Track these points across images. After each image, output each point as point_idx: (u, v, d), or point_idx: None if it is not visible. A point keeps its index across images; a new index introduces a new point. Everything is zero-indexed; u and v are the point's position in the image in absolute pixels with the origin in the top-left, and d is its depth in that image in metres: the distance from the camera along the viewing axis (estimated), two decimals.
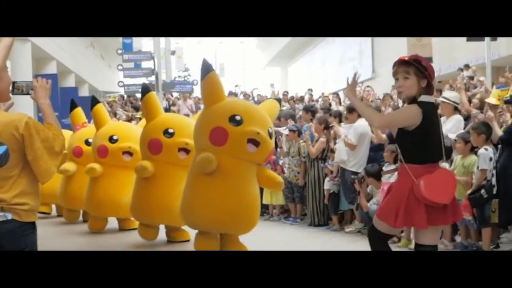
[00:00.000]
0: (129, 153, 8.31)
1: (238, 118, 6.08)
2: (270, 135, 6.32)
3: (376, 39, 29.91)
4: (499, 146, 6.83)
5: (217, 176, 6.14)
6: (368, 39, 30.69)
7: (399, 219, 4.01)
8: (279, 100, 7.90)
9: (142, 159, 7.59)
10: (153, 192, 7.40)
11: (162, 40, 19.41)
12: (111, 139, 8.40)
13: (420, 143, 4.06)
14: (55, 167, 3.64)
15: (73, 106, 9.67)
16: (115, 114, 17.71)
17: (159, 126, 7.46)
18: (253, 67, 58.01)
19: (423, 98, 4.09)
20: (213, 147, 6.13)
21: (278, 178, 6.72)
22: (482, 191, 6.53)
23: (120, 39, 28.68)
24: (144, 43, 34.81)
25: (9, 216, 3.42)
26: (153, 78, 19.23)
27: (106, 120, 8.89)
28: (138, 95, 22.86)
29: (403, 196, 4.03)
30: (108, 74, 42.23)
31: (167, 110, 17.68)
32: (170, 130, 7.37)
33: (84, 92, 30.81)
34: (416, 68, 4.07)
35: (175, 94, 21.97)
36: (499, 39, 16.41)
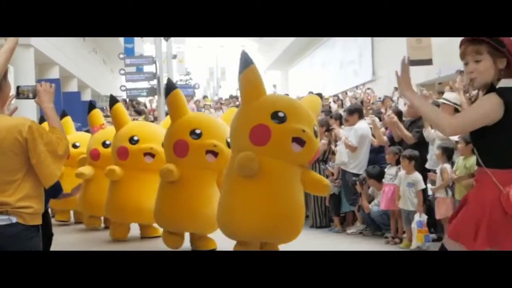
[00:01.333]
0: (151, 154, 7.85)
1: (281, 114, 5.55)
2: (316, 134, 5.79)
3: (376, 41, 29.96)
4: None
5: (259, 179, 5.57)
6: (368, 41, 30.72)
7: (480, 238, 3.16)
8: (320, 96, 7.03)
9: (167, 162, 7.12)
10: (178, 197, 6.97)
11: (164, 44, 19.45)
12: (132, 140, 7.92)
13: (504, 141, 3.19)
14: (59, 170, 3.66)
15: (91, 107, 9.36)
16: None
17: (186, 127, 6.99)
18: None
19: (503, 83, 3.24)
20: (254, 147, 5.56)
21: (325, 181, 6.14)
22: None
23: (122, 43, 28.79)
24: (146, 48, 34.94)
25: (14, 220, 3.43)
26: (155, 82, 19.29)
27: (126, 120, 8.36)
28: (141, 99, 23.01)
29: (484, 210, 3.18)
30: (110, 78, 42.28)
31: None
32: (197, 131, 6.90)
33: (86, 96, 30.83)
34: (489, 45, 3.23)
35: None
36: None
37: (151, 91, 19.67)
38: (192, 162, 6.93)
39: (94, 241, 8.72)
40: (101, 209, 8.64)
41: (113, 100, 8.61)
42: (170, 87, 7.37)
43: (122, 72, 19.95)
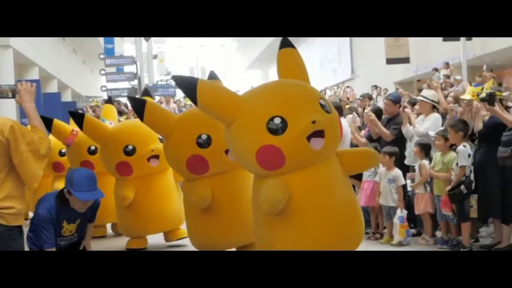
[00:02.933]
0: (155, 156, 6.97)
1: (277, 121, 4.22)
2: (324, 107, 4.47)
3: (355, 40, 30.21)
4: (475, 142, 6.97)
5: (295, 202, 4.33)
6: (347, 40, 30.95)
7: None
8: None
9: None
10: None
11: (144, 44, 19.46)
12: (127, 150, 6.92)
13: None
14: (41, 170, 3.65)
15: (47, 123, 7.34)
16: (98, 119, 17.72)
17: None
18: (234, 70, 58.19)
19: None
20: (272, 172, 4.36)
21: (369, 149, 5.14)
22: (462, 187, 6.65)
23: (102, 44, 28.67)
24: (126, 48, 34.87)
25: None
26: (135, 82, 19.30)
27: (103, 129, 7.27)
28: (121, 99, 22.95)
29: None
30: (90, 79, 42.07)
31: None
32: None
33: (67, 97, 30.68)
34: None
35: (158, 98, 22.02)
36: (474, 39, 16.70)
37: (132, 91, 19.65)
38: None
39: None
40: (104, 218, 7.65)
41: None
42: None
43: (103, 72, 19.95)
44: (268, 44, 43.11)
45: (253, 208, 4.74)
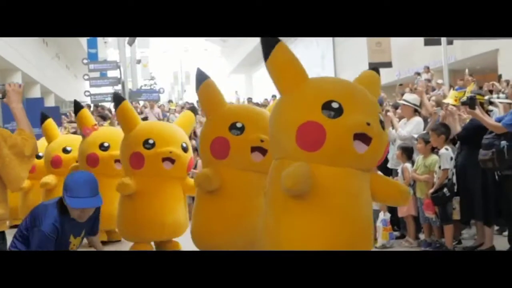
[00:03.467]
0: (170, 159, 6.65)
1: (335, 105, 3.97)
2: (382, 125, 4.19)
3: (337, 44, 30.41)
4: (457, 145, 7.06)
5: (315, 196, 3.96)
6: (330, 45, 31.14)
7: None
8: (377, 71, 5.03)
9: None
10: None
11: (128, 49, 19.43)
12: (147, 144, 6.64)
13: None
14: (26, 172, 3.59)
15: (77, 108, 8.09)
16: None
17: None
18: (218, 75, 58.20)
19: None
20: (304, 152, 3.99)
21: (403, 186, 4.63)
22: (445, 189, 6.73)
23: (86, 49, 28.61)
24: (109, 53, 34.77)
25: None
26: (119, 87, 19.26)
27: (136, 121, 7.02)
28: (105, 104, 22.92)
29: None
30: (74, 84, 41.98)
31: None
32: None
33: (50, 102, 30.58)
34: None
35: (142, 103, 22.00)
36: (455, 43, 16.90)
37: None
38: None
39: None
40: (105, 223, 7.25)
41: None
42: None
43: (86, 77, 19.89)
44: (252, 48, 43.23)
45: (268, 193, 4.31)
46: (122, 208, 6.85)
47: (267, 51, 4.23)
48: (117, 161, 7.45)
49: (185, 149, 6.70)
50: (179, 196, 6.88)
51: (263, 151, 5.34)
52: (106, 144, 7.76)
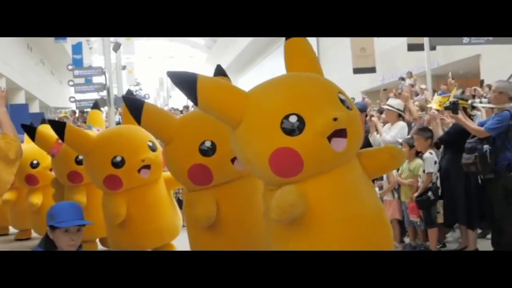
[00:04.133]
0: (146, 166, 6.31)
1: (293, 120, 3.63)
2: (344, 102, 3.86)
3: (322, 50, 30.53)
4: (441, 149, 7.14)
5: (314, 211, 3.70)
6: (314, 50, 31.27)
7: None
8: None
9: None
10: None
11: (113, 55, 19.41)
12: (115, 162, 6.22)
13: None
14: (11, 176, 3.61)
15: (31, 131, 7.31)
16: (85, 121, 17.69)
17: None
18: None
19: None
20: (287, 180, 3.71)
21: (393, 149, 4.38)
22: (429, 193, 6.80)
23: (70, 54, 28.54)
24: (94, 59, 34.70)
25: None
26: (104, 93, 19.21)
27: (88, 140, 6.53)
28: (90, 110, 22.88)
29: None
30: (58, 90, 41.80)
31: (119, 124, 17.71)
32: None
33: (34, 108, 30.45)
34: None
35: None
36: (438, 48, 17.06)
37: (101, 102, 19.57)
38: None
39: None
40: (94, 232, 7.09)
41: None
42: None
43: (71, 83, 19.84)
44: (237, 55, 43.37)
45: (265, 222, 4.05)
46: (114, 229, 6.45)
47: (191, 95, 3.78)
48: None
49: (153, 149, 6.35)
50: (165, 195, 6.61)
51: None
52: (81, 157, 7.05)
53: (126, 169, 6.18)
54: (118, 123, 16.98)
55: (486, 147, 6.15)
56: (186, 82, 3.78)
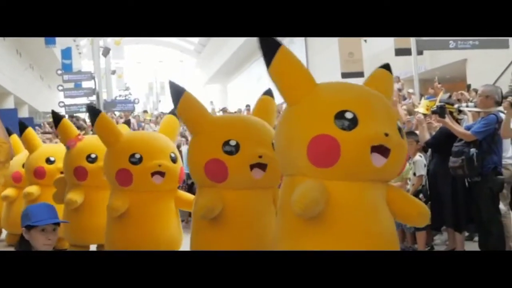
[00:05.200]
0: (160, 173, 6.16)
1: (349, 116, 3.66)
2: (401, 134, 3.86)
3: (310, 55, 30.67)
4: (428, 153, 7.23)
5: (329, 214, 3.60)
6: (303, 55, 31.39)
7: None
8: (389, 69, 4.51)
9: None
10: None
11: (102, 60, 19.44)
12: (133, 159, 6.14)
13: None
14: (2, 177, 3.62)
15: (57, 118, 7.49)
16: (57, 135, 17.61)
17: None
18: (193, 85, 58.28)
19: None
20: (316, 169, 3.65)
21: (423, 207, 4.00)
22: (420, 195, 6.88)
23: (60, 59, 28.50)
24: (84, 64, 34.64)
25: None
26: (94, 97, 19.23)
27: (117, 133, 6.48)
28: (80, 115, 22.90)
29: None
30: (48, 94, 41.67)
31: None
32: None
33: (24, 113, 30.37)
34: None
35: (117, 113, 21.96)
36: (425, 53, 17.22)
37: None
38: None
39: None
40: (89, 237, 7.20)
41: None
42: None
43: (60, 88, 19.82)
44: (226, 60, 43.47)
45: (280, 214, 3.97)
46: (112, 227, 6.31)
47: (268, 57, 3.86)
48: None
49: (174, 160, 6.25)
50: (172, 210, 6.39)
51: (263, 166, 4.91)
52: (93, 156, 7.18)
53: (140, 168, 6.08)
54: None
55: (473, 150, 6.23)
56: (268, 44, 3.86)
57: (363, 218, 3.63)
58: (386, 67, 4.45)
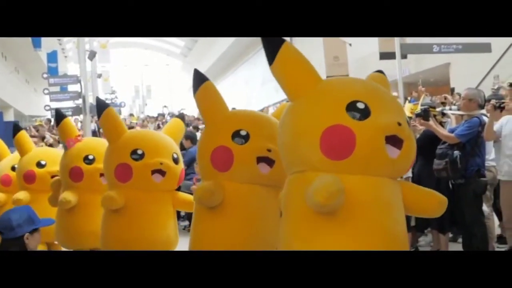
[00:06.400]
0: (161, 172, 6.02)
1: (361, 106, 3.53)
2: (408, 123, 3.77)
3: None
4: None
5: (345, 210, 3.39)
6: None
7: None
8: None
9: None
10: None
11: (88, 63, 19.40)
12: (134, 155, 5.99)
13: None
14: None
15: (59, 117, 7.28)
16: (42, 138, 17.57)
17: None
18: (179, 89, 58.35)
19: None
20: (331, 162, 3.48)
21: (441, 196, 3.94)
22: None
23: (45, 63, 28.40)
24: (70, 67, 34.55)
25: None
26: (80, 101, 19.18)
27: (122, 129, 6.36)
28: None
29: None
30: (33, 98, 41.51)
31: (95, 133, 17.71)
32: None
33: (9, 117, 30.23)
34: None
35: None
36: (409, 57, 17.37)
37: (77, 110, 19.53)
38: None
39: None
40: (84, 241, 6.98)
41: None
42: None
43: (46, 91, 19.72)
44: (213, 63, 43.50)
45: (287, 214, 3.75)
46: (107, 225, 6.15)
47: (271, 54, 3.76)
48: (102, 175, 6.61)
49: (176, 160, 6.14)
50: (170, 210, 6.28)
51: (270, 162, 4.72)
52: (91, 157, 6.98)
53: (141, 164, 5.91)
54: (93, 132, 17.02)
55: (456, 153, 6.30)
56: (272, 41, 3.77)
57: (378, 215, 3.48)
58: (380, 72, 4.50)
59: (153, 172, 5.89)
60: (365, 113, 3.46)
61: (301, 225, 3.55)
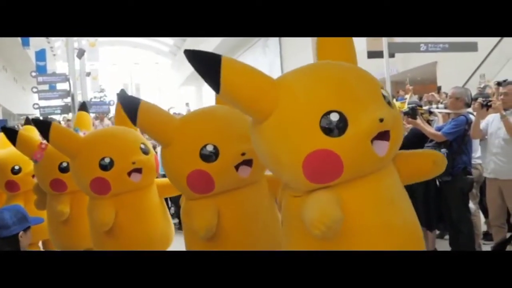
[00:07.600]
0: (137, 169, 5.69)
1: (335, 117, 3.10)
2: (388, 100, 3.40)
3: (285, 59, 30.84)
4: None
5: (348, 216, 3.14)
6: (277, 58, 31.50)
7: None
8: None
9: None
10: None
11: (77, 61, 19.35)
12: (103, 164, 5.62)
13: None
14: None
15: (11, 136, 6.56)
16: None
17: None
18: (168, 87, 58.31)
19: None
20: (322, 186, 3.25)
21: (436, 153, 3.84)
22: None
23: (34, 61, 28.28)
24: (59, 65, 34.40)
25: None
26: (69, 99, 19.14)
27: (76, 141, 5.90)
28: (54, 117, 22.77)
29: None
30: (22, 96, 41.31)
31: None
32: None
33: None
34: None
35: (92, 115, 21.84)
36: (396, 56, 17.47)
37: (65, 109, 19.50)
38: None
39: None
40: (81, 242, 6.66)
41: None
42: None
43: (35, 90, 19.68)
44: None
45: (285, 231, 3.60)
46: (101, 237, 5.81)
47: (213, 79, 3.20)
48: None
49: (145, 151, 5.81)
50: (158, 203, 6.04)
51: (249, 162, 4.38)
52: (64, 164, 6.50)
53: (115, 172, 5.56)
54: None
55: (443, 151, 6.34)
56: (208, 62, 3.20)
57: (382, 211, 3.26)
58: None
59: (129, 173, 5.60)
60: (342, 125, 3.08)
61: (303, 242, 3.32)
